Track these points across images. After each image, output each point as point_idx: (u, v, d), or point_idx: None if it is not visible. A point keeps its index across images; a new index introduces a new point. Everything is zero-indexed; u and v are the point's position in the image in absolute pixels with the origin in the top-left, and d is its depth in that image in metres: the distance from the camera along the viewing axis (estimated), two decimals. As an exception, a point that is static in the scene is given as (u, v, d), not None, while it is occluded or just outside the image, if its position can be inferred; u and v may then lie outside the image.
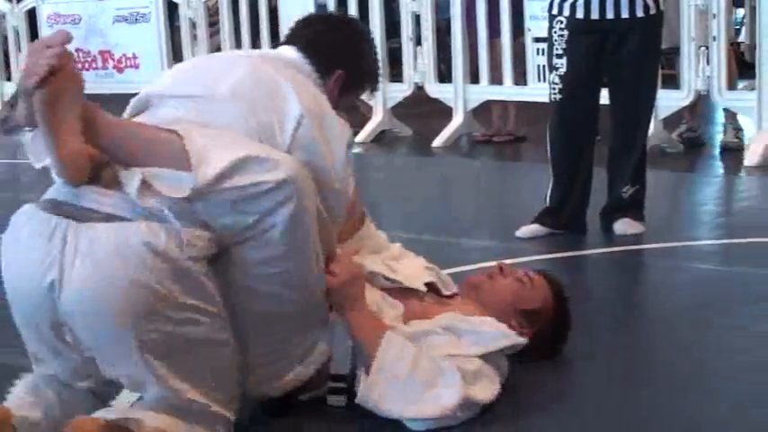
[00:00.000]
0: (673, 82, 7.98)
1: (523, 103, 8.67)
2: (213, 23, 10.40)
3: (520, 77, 8.63)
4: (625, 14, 5.21)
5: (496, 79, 8.78)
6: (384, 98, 9.29)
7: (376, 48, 3.49)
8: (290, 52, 3.28)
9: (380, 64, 3.55)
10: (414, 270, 3.56)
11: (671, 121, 8.08)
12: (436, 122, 9.08)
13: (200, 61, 3.49)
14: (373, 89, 3.49)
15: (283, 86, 3.09)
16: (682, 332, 3.97)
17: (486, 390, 3.15)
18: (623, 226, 5.36)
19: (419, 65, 9.13)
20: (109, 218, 2.84)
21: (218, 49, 10.21)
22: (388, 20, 9.38)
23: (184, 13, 10.33)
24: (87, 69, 10.80)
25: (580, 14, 5.24)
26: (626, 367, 3.63)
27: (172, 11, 10.49)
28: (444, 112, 9.04)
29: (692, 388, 3.40)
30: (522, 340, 3.34)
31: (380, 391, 3.07)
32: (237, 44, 10.03)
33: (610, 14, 5.22)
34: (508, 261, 4.93)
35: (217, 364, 2.94)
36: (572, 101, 5.30)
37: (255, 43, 9.98)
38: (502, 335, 3.29)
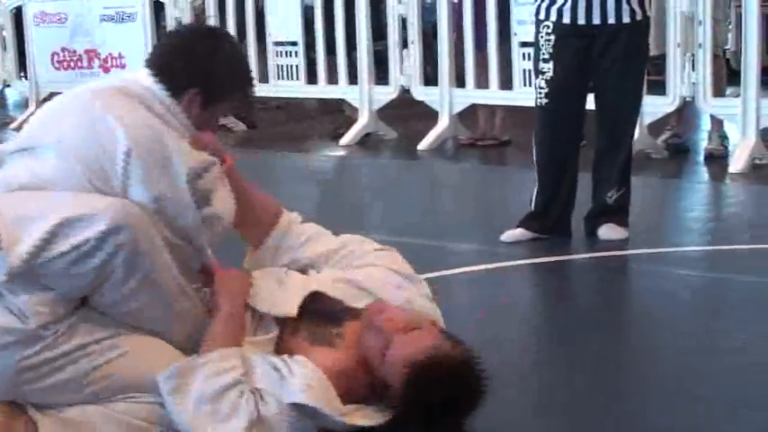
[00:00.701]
0: (659, 88, 7.99)
1: (509, 107, 8.68)
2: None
3: (506, 82, 8.63)
4: (612, 20, 5.21)
5: (482, 83, 8.78)
6: (370, 101, 9.29)
7: (238, 53, 3.37)
8: (143, 77, 3.20)
9: (245, 70, 3.35)
10: (311, 284, 3.28)
11: (656, 127, 8.09)
12: (422, 125, 9.08)
13: (49, 105, 3.32)
14: (244, 96, 3.35)
15: (109, 122, 3.00)
16: (667, 336, 3.97)
17: None
18: (607, 231, 5.37)
19: (405, 68, 9.12)
20: None
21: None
22: (375, 23, 9.38)
23: (171, 12, 10.31)
24: (73, 68, 10.78)
25: (567, 19, 5.24)
26: (612, 372, 3.63)
27: (158, 11, 10.47)
28: (430, 116, 9.03)
29: (680, 392, 3.40)
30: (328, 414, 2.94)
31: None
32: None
33: (596, 20, 5.22)
34: (492, 265, 4.97)
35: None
36: (558, 106, 5.31)
37: (242, 43, 9.97)
38: (302, 392, 2.95)
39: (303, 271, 3.38)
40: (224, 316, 3.10)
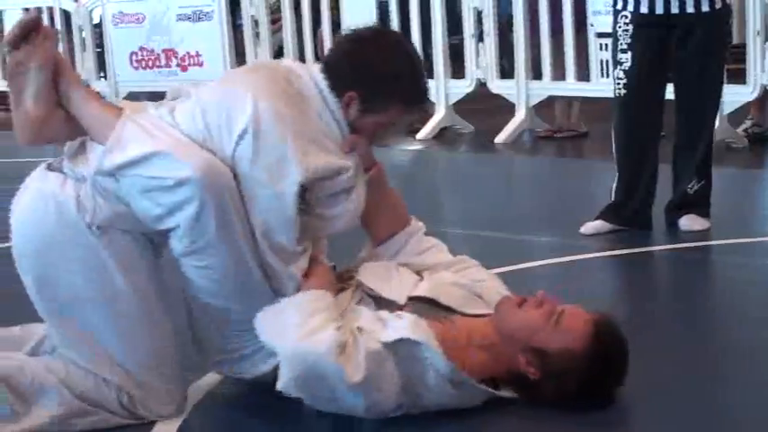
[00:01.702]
0: (739, 77, 7.89)
1: (586, 98, 8.62)
2: (275, 21, 10.44)
3: (583, 73, 8.58)
4: (690, 9, 5.16)
5: (559, 75, 8.74)
6: (446, 95, 9.28)
7: (409, 66, 3.32)
8: (315, 69, 3.30)
9: (411, 84, 3.33)
10: (423, 285, 3.34)
11: (737, 117, 7.99)
12: (498, 119, 9.05)
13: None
14: (408, 106, 3.34)
15: (245, 97, 3.13)
16: (752, 327, 3.92)
17: (347, 363, 2.97)
18: (689, 222, 5.32)
19: (481, 61, 9.10)
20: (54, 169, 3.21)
21: (281, 47, 10.27)
22: (450, 16, 9.37)
23: (247, 10, 10.37)
24: (151, 68, 10.89)
25: (644, 9, 5.20)
26: (696, 364, 3.60)
27: (234, 9, 10.54)
28: (506, 109, 9.01)
29: (760, 385, 3.36)
30: (468, 380, 3.06)
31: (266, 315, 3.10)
32: (299, 42, 10.06)
33: (674, 9, 5.17)
34: (572, 258, 4.94)
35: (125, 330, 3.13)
36: (636, 96, 5.26)
37: (317, 39, 10.00)
38: (404, 328, 3.05)
39: (418, 273, 3.42)
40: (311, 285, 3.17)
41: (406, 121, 3.44)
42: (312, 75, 3.27)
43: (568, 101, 8.93)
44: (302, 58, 10.02)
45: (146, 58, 10.93)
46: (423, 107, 3.45)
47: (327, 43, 9.83)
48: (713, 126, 5.48)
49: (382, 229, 3.49)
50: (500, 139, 8.81)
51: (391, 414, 3.08)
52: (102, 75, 11.67)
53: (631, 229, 5.32)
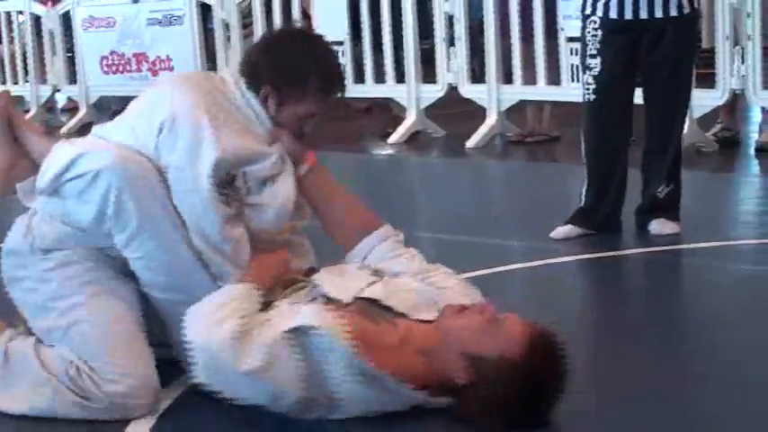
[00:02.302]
0: (709, 81, 7.93)
1: (557, 102, 8.64)
2: (246, 25, 10.43)
3: (554, 77, 8.60)
4: (659, 14, 5.18)
5: (530, 79, 8.76)
6: (417, 99, 9.29)
7: (318, 52, 3.50)
8: (233, 69, 3.55)
9: (318, 65, 3.46)
10: (378, 288, 3.33)
11: (706, 121, 8.03)
12: (470, 123, 9.06)
13: None
14: (323, 93, 3.48)
15: (166, 94, 3.39)
16: (722, 331, 3.94)
17: (240, 352, 3.03)
18: (659, 225, 5.34)
19: (452, 66, 9.12)
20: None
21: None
22: (422, 20, 9.37)
23: (218, 15, 10.36)
24: (122, 72, 10.85)
25: (613, 14, 5.21)
26: (667, 367, 3.61)
27: (205, 13, 10.52)
28: (478, 113, 9.02)
29: (739, 385, 3.37)
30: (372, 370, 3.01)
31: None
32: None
33: (643, 14, 5.19)
34: (543, 262, 4.96)
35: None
36: (606, 101, 5.28)
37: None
38: (305, 317, 3.07)
39: (380, 276, 3.41)
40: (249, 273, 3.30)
41: (325, 109, 3.53)
42: (234, 78, 3.48)
43: (539, 105, 8.95)
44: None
45: (116, 62, 10.89)
46: (339, 92, 3.55)
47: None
48: (682, 130, 5.50)
49: (347, 234, 3.52)
50: (471, 143, 8.83)
51: (308, 413, 3.08)
52: (72, 79, 11.61)
53: (601, 233, 5.34)
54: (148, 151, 3.31)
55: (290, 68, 3.43)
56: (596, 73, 5.27)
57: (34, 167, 3.48)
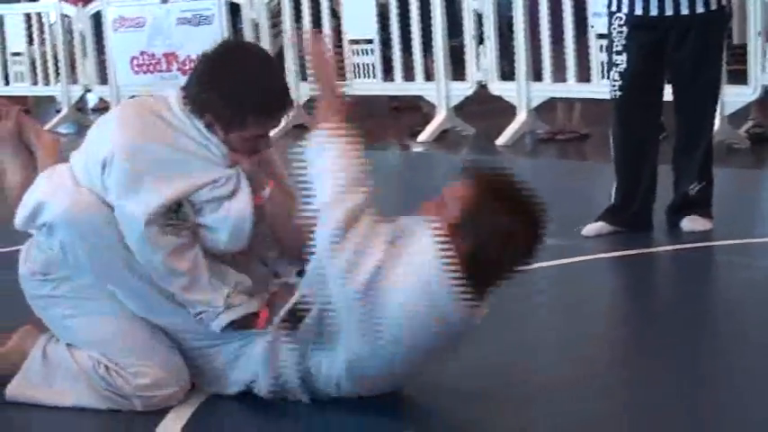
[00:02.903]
0: (740, 77, 7.88)
1: (587, 100, 8.62)
2: (275, 24, 10.44)
3: (584, 74, 8.57)
4: (685, 11, 5.15)
5: (560, 77, 8.73)
6: (447, 97, 9.28)
7: (253, 74, 3.37)
8: (176, 95, 3.42)
9: (257, 95, 3.35)
10: None
11: (738, 117, 7.98)
12: (499, 121, 9.05)
13: None
14: (263, 117, 3.37)
15: (111, 130, 3.38)
16: (753, 327, 3.92)
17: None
18: (691, 223, 5.31)
19: (482, 63, 9.10)
20: None
21: (281, 50, 10.26)
22: (451, 18, 9.36)
23: (247, 14, 10.37)
24: (152, 72, 10.89)
25: (639, 11, 5.20)
26: (700, 364, 3.59)
27: (235, 12, 10.54)
28: (508, 111, 9.00)
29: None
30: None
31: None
32: (300, 45, 10.05)
33: (669, 11, 5.16)
34: (573, 259, 4.94)
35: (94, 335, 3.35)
36: (632, 98, 5.26)
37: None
38: None
39: None
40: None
41: (272, 127, 3.47)
42: (180, 104, 3.37)
43: (569, 102, 8.92)
44: (302, 63, 10.01)
45: (146, 62, 10.93)
46: (281, 111, 3.44)
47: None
48: (712, 127, 5.47)
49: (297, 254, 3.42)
50: (501, 141, 8.81)
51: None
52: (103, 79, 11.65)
53: (632, 230, 5.32)
54: (99, 189, 3.31)
55: (225, 98, 3.33)
56: (622, 70, 5.25)
57: None
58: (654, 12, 5.18)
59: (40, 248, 3.42)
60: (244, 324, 3.31)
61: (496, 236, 3.09)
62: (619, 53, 5.26)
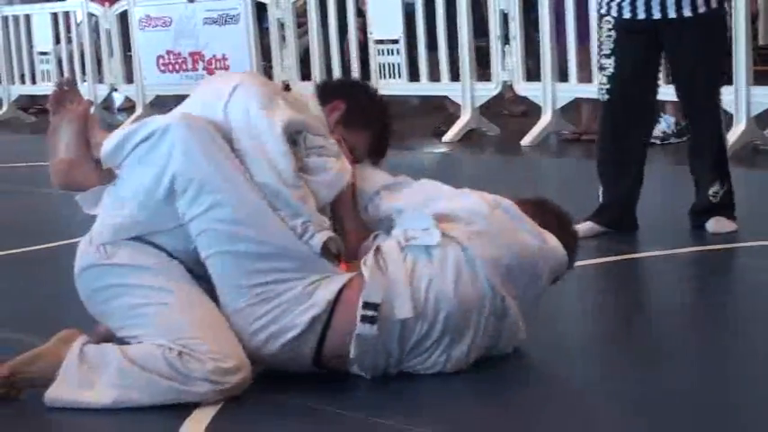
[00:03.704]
0: (766, 78, 7.85)
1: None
2: (301, 24, 10.46)
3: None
4: (672, 14, 5.13)
5: (585, 77, 8.71)
6: (472, 97, 9.27)
7: (387, 112, 3.88)
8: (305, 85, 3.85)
9: (385, 124, 3.85)
10: None
11: (765, 119, 7.95)
12: (525, 121, 9.03)
13: None
14: (375, 136, 3.79)
15: (232, 75, 3.86)
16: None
17: None
18: (715, 225, 5.29)
19: (507, 64, 9.09)
20: None
21: (307, 51, 10.28)
22: (476, 18, 9.35)
23: (273, 13, 10.39)
24: (178, 71, 10.93)
25: (627, 14, 5.19)
26: (720, 367, 3.58)
27: (261, 12, 10.57)
28: (533, 111, 8.98)
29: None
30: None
31: None
32: (326, 45, 10.07)
33: (657, 14, 5.15)
34: (597, 260, 4.93)
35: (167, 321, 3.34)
36: (619, 102, 5.29)
37: (343, 44, 10.01)
38: None
39: None
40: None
41: (360, 155, 3.78)
42: (302, 87, 3.73)
43: (595, 103, 8.89)
44: (328, 62, 10.03)
45: (172, 61, 10.97)
46: (379, 156, 3.84)
47: (354, 47, 9.85)
48: (718, 129, 5.34)
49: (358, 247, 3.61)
50: (526, 141, 8.80)
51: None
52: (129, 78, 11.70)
53: (618, 231, 5.30)
54: (213, 115, 3.47)
55: (362, 102, 3.79)
56: (609, 73, 5.27)
57: (100, 171, 3.61)
58: (641, 15, 5.16)
59: (106, 214, 3.49)
60: (333, 256, 3.44)
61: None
62: (607, 57, 5.27)
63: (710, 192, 5.30)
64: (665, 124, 8.18)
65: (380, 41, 9.74)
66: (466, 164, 8.54)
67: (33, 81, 12.29)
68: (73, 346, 3.40)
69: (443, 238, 3.40)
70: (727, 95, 7.62)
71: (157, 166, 3.39)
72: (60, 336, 3.49)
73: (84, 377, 3.35)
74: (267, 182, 3.38)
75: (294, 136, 3.48)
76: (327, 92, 3.78)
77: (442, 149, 9.00)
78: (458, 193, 3.64)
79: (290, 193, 3.39)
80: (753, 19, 8.17)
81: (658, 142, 8.08)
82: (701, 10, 5.13)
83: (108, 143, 3.51)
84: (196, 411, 3.27)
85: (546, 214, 3.73)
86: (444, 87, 9.61)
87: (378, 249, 3.43)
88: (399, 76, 9.68)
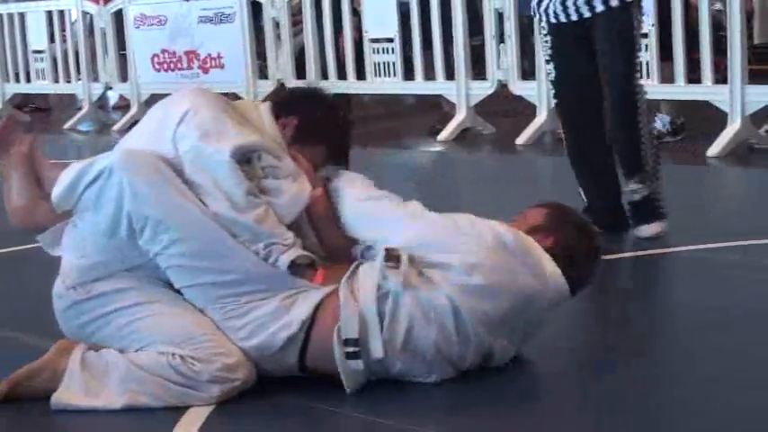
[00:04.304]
0: (762, 77, 7.86)
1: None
2: (296, 23, 10.46)
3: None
4: (587, 13, 5.14)
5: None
6: (467, 96, 9.27)
7: (344, 121, 3.85)
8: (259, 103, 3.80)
9: (341, 133, 3.82)
10: None
11: (759, 117, 7.96)
12: (520, 120, 9.04)
13: None
14: (330, 149, 3.73)
15: (182, 96, 3.61)
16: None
17: None
18: (642, 228, 5.23)
19: (502, 62, 9.09)
20: None
21: (302, 49, 10.27)
22: (471, 17, 9.35)
23: (268, 12, 10.39)
24: (173, 70, 10.92)
25: (553, 19, 5.23)
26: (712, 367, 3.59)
27: (256, 11, 10.56)
28: (528, 110, 8.99)
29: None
30: None
31: None
32: (321, 43, 10.07)
33: (574, 16, 5.17)
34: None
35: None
36: (564, 104, 5.34)
37: (338, 42, 10.01)
38: None
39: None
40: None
41: (320, 166, 3.73)
42: (254, 103, 3.77)
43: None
44: (323, 62, 10.03)
45: (167, 60, 10.96)
46: (341, 164, 3.75)
47: (349, 46, 9.85)
48: (636, 124, 5.22)
49: (343, 254, 3.56)
50: (521, 140, 8.80)
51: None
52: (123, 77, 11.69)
53: (609, 230, 5.17)
54: (162, 146, 3.44)
55: (316, 116, 3.73)
56: (552, 78, 5.33)
57: (55, 213, 3.60)
58: (562, 18, 5.19)
59: (72, 257, 3.48)
60: (304, 272, 3.40)
61: (573, 242, 3.56)
62: (547, 62, 5.34)
63: (629, 188, 5.24)
64: (661, 123, 8.18)
65: (375, 40, 9.73)
66: (461, 163, 8.55)
67: (28, 79, 12.27)
68: (73, 354, 3.40)
69: (432, 287, 3.30)
70: (721, 94, 7.70)
71: (111, 208, 3.39)
72: (58, 345, 3.48)
73: (89, 385, 3.35)
74: (222, 212, 3.37)
75: (248, 155, 3.46)
76: (281, 107, 3.74)
77: (438, 148, 9.00)
78: (456, 229, 3.47)
79: (246, 218, 3.37)
80: (748, 18, 8.17)
81: (653, 141, 8.09)
82: (613, 3, 5.11)
83: (58, 188, 3.50)
84: (190, 410, 3.28)
85: (565, 225, 3.61)
86: (439, 86, 9.61)
87: (354, 272, 3.38)
88: (394, 75, 9.68)
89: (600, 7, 5.13)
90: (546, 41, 5.30)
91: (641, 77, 5.37)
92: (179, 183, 3.38)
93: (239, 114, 3.60)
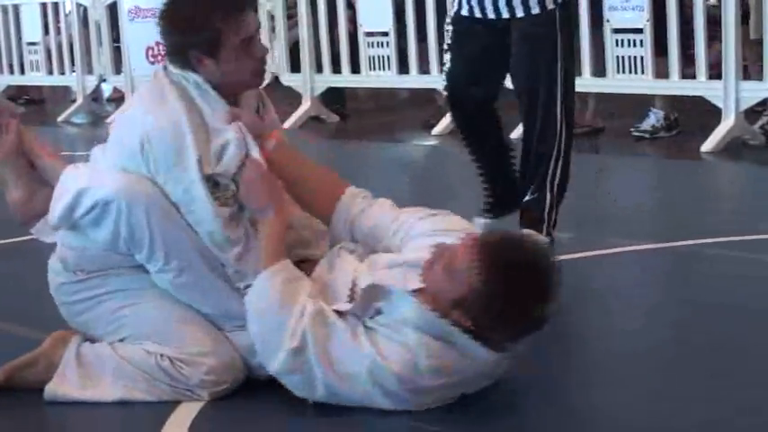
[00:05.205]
0: (755, 73, 7.87)
1: (602, 94, 8.59)
2: (291, 16, 10.45)
3: (599, 68, 8.55)
4: (505, 14, 5.03)
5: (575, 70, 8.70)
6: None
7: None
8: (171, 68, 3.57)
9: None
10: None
11: (753, 113, 7.97)
12: (514, 115, 9.01)
13: None
14: (238, 12, 3.47)
15: (134, 117, 3.47)
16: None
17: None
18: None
19: (497, 56, 9.07)
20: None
21: (297, 42, 10.27)
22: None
23: (263, 5, 10.37)
24: (167, 62, 10.89)
25: (465, 12, 5.13)
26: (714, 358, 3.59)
27: (250, 4, 10.53)
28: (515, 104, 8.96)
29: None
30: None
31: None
32: (315, 37, 10.06)
33: (491, 14, 5.06)
34: (595, 253, 4.93)
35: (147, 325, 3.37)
36: (455, 97, 5.25)
37: (333, 35, 10.00)
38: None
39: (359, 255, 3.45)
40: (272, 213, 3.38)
41: (249, 31, 3.48)
42: (165, 71, 3.55)
43: (584, 96, 8.89)
44: (317, 55, 10.02)
45: (162, 52, 10.90)
46: (251, 8, 3.54)
47: (344, 39, 9.84)
48: (554, 134, 5.15)
49: (322, 205, 3.54)
50: (516, 134, 8.78)
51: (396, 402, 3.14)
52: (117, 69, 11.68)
53: (507, 215, 5.23)
54: (142, 171, 3.37)
55: (193, 20, 3.50)
56: (447, 69, 5.23)
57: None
58: (477, 14, 5.08)
59: (72, 250, 3.45)
60: None
61: (499, 320, 3.11)
62: (446, 52, 5.26)
63: (527, 197, 5.12)
64: (655, 118, 8.19)
65: (370, 34, 9.72)
66: (455, 157, 8.51)
67: (22, 71, 12.25)
68: (69, 346, 3.42)
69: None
70: (715, 90, 7.71)
71: (109, 234, 3.35)
72: (53, 337, 3.49)
73: (85, 378, 3.37)
74: (206, 246, 3.37)
75: (215, 178, 3.37)
76: (179, 57, 3.55)
77: (432, 142, 8.99)
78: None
79: (227, 257, 3.37)
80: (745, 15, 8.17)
81: (648, 136, 8.11)
82: (535, 11, 4.98)
83: (54, 211, 3.44)
84: (180, 407, 3.29)
85: (494, 284, 3.06)
86: (434, 80, 9.57)
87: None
88: (389, 69, 9.68)
89: (520, 12, 5.00)
90: (448, 31, 5.19)
91: (568, 90, 5.18)
92: (174, 212, 3.35)
93: (177, 105, 3.44)
